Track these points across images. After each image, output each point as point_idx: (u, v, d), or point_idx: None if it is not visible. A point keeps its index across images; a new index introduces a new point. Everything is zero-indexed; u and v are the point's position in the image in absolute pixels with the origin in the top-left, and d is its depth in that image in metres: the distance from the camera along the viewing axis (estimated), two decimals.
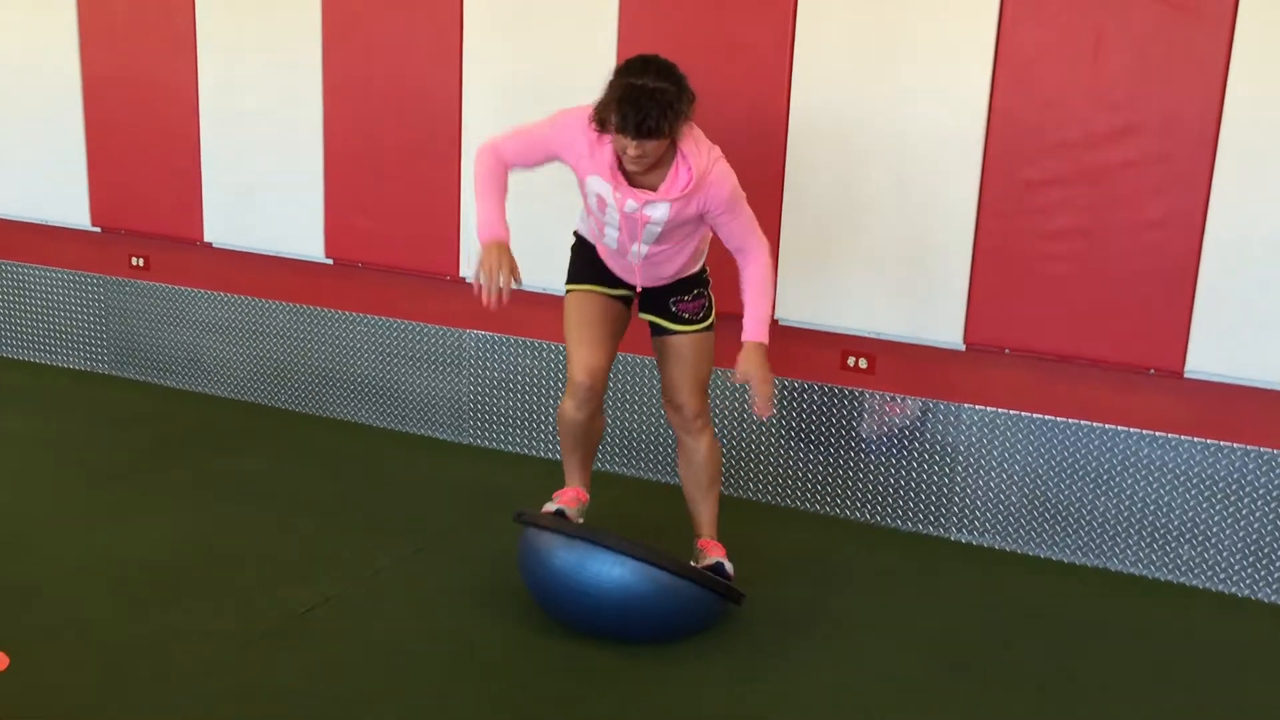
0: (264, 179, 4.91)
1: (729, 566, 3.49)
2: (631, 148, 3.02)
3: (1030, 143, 3.77)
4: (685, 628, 3.35)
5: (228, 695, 3.00)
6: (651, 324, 3.52)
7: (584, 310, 3.44)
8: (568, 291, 3.53)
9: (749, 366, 3.25)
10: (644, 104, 2.94)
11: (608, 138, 3.10)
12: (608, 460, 4.57)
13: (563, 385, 4.61)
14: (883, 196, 3.97)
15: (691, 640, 3.37)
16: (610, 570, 3.20)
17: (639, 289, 3.47)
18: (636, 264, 3.35)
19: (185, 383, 5.37)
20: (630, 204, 3.19)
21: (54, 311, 5.58)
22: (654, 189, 3.18)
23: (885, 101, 3.91)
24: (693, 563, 3.47)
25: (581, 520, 3.51)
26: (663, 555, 3.24)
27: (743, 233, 3.30)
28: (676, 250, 3.35)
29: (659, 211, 3.20)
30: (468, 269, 4.60)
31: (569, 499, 3.50)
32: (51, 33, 5.17)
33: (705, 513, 3.54)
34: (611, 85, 3.05)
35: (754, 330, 3.29)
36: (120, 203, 5.24)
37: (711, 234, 3.44)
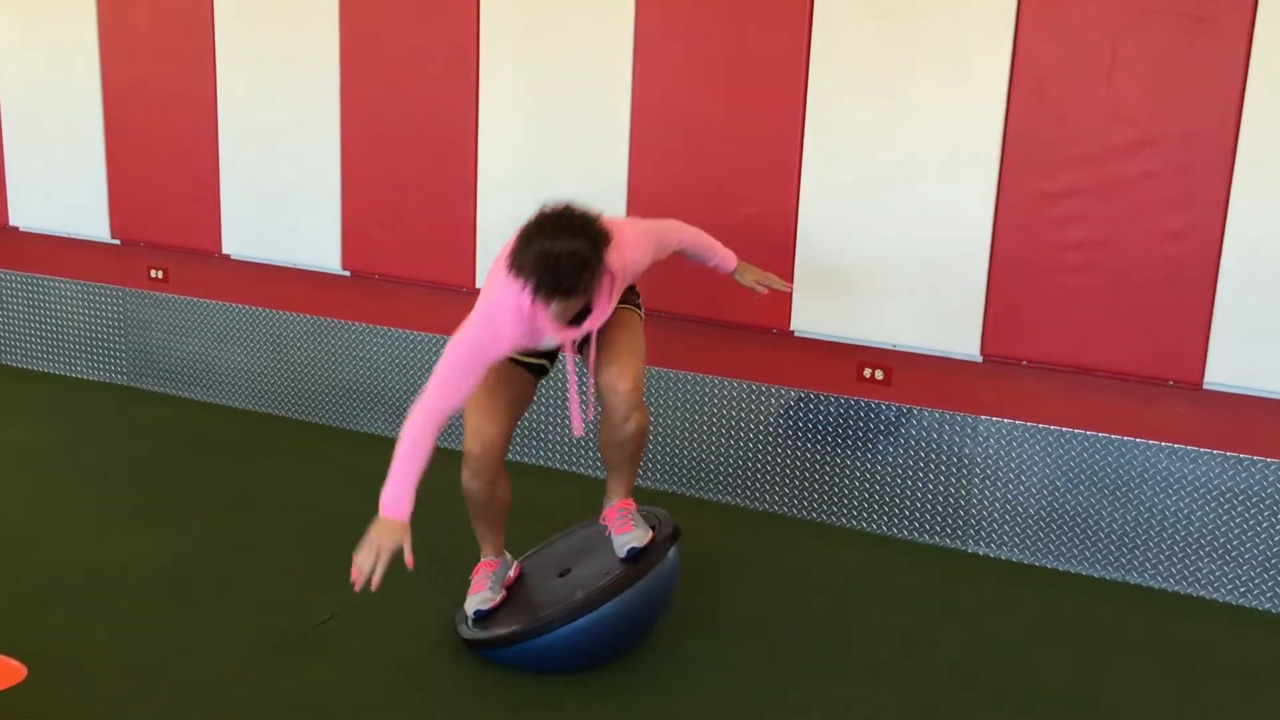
0: (282, 192, 4.94)
1: (638, 539, 3.27)
2: (555, 308, 2.93)
3: (1047, 155, 3.76)
4: (662, 605, 3.35)
5: (240, 706, 3.01)
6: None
7: (487, 377, 3.16)
8: None
9: (750, 273, 3.57)
10: (560, 270, 2.84)
11: (540, 305, 2.94)
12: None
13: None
14: (899, 208, 3.96)
15: (702, 654, 3.37)
16: (562, 639, 3.17)
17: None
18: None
19: (203, 394, 5.40)
20: (576, 340, 3.16)
21: (73, 323, 5.61)
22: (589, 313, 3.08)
23: (901, 114, 3.90)
24: (610, 532, 3.36)
25: (510, 574, 3.48)
26: (589, 597, 3.19)
27: (661, 241, 3.34)
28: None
29: (603, 321, 3.15)
30: (482, 281, 4.61)
31: (479, 579, 3.41)
32: (72, 46, 5.20)
33: (625, 479, 3.37)
34: (524, 247, 2.90)
35: (728, 257, 3.54)
36: (140, 215, 5.27)
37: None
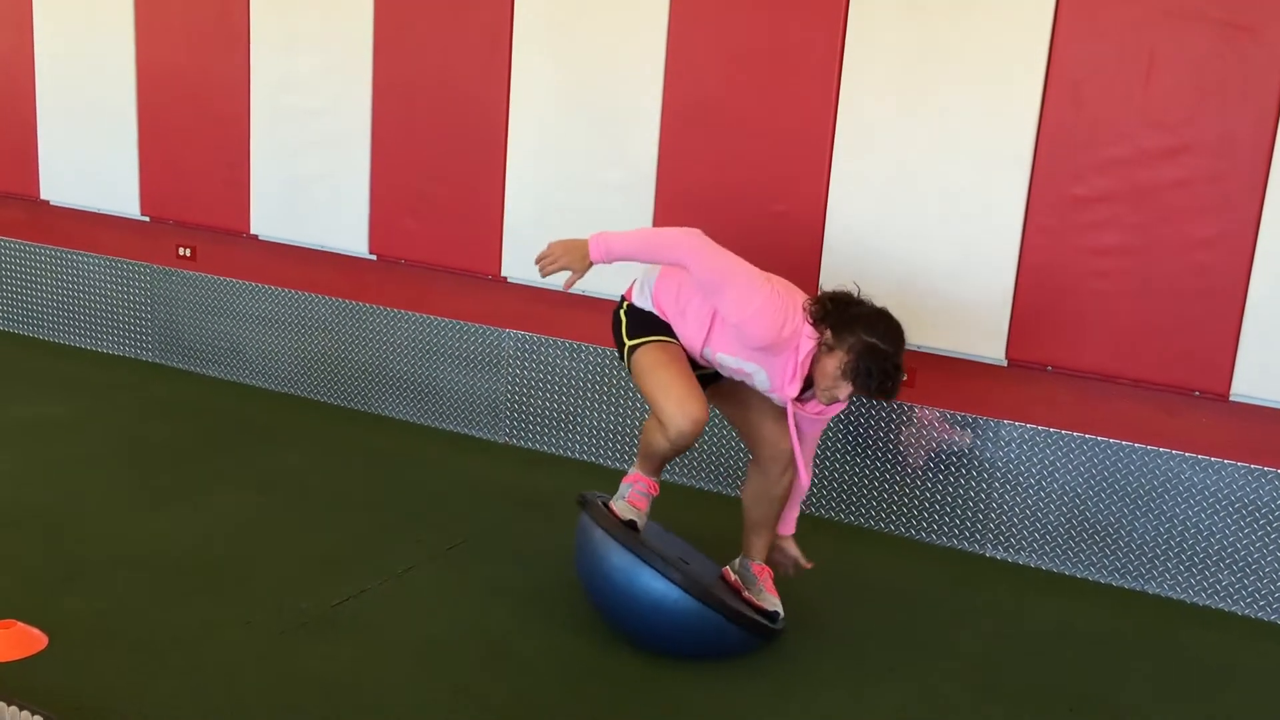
0: (312, 174, 4.95)
1: (782, 614, 3.41)
2: (844, 394, 3.13)
3: (1079, 159, 3.73)
4: (720, 656, 3.33)
5: (258, 685, 3.02)
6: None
7: (672, 354, 3.31)
8: (638, 346, 3.35)
9: (795, 551, 3.60)
10: (888, 372, 3.08)
11: (809, 346, 3.15)
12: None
13: (598, 386, 4.61)
14: (928, 209, 3.94)
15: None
16: (661, 596, 3.17)
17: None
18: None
19: (227, 373, 5.42)
20: (786, 405, 3.31)
21: (101, 298, 5.65)
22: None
23: (934, 113, 3.89)
24: (740, 584, 3.45)
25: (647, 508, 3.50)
26: (720, 597, 3.24)
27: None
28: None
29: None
30: (509, 269, 4.62)
31: (639, 494, 3.39)
32: (108, 25, 5.24)
33: (766, 538, 3.50)
34: (849, 319, 3.12)
35: (790, 525, 3.60)
36: (170, 193, 5.30)
37: None
